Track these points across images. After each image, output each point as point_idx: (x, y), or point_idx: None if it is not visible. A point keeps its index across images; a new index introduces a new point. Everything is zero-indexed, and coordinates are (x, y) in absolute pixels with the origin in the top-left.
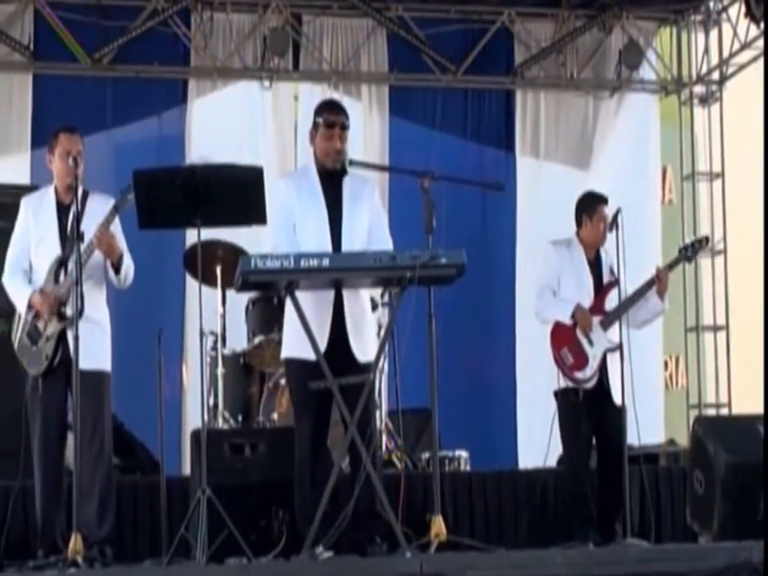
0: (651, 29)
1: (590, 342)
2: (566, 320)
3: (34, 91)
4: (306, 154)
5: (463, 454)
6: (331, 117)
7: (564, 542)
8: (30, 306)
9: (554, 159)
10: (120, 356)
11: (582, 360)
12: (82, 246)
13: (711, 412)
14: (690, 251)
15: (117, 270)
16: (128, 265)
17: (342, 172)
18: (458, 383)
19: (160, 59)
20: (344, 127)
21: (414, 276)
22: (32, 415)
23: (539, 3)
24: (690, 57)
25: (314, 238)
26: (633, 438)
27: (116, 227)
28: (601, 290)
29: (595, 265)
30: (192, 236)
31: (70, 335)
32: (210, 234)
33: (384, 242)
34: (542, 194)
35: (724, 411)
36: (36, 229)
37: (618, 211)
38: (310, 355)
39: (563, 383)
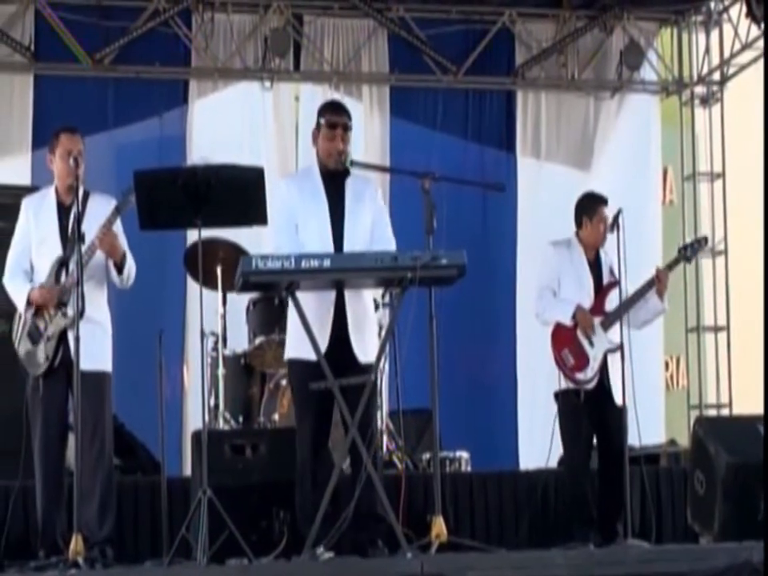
0: (652, 29)
1: (591, 343)
2: (567, 321)
3: (35, 92)
4: (306, 154)
5: (464, 454)
6: (334, 117)
7: (565, 543)
8: (29, 303)
9: (555, 160)
10: (121, 356)
11: (582, 361)
12: (83, 247)
13: (712, 412)
14: (690, 251)
15: (120, 270)
16: (130, 265)
17: (345, 172)
18: (459, 384)
19: (161, 60)
20: (346, 128)
21: (414, 276)
22: (33, 415)
23: (540, 4)
24: (690, 57)
25: (317, 239)
26: (633, 439)
27: (117, 227)
28: (601, 291)
29: (595, 265)
30: (193, 237)
31: (70, 336)
32: (210, 233)
33: (386, 242)
34: (542, 194)
35: (725, 411)
36: (37, 229)
37: (618, 212)
38: (312, 356)
39: (564, 384)
